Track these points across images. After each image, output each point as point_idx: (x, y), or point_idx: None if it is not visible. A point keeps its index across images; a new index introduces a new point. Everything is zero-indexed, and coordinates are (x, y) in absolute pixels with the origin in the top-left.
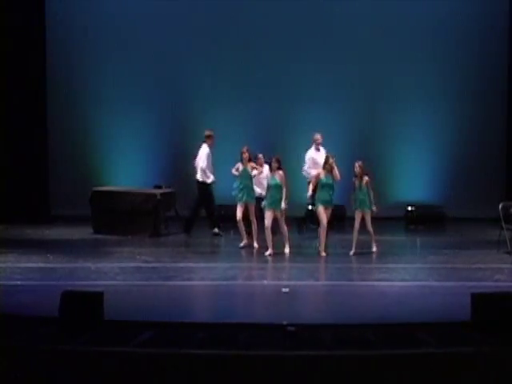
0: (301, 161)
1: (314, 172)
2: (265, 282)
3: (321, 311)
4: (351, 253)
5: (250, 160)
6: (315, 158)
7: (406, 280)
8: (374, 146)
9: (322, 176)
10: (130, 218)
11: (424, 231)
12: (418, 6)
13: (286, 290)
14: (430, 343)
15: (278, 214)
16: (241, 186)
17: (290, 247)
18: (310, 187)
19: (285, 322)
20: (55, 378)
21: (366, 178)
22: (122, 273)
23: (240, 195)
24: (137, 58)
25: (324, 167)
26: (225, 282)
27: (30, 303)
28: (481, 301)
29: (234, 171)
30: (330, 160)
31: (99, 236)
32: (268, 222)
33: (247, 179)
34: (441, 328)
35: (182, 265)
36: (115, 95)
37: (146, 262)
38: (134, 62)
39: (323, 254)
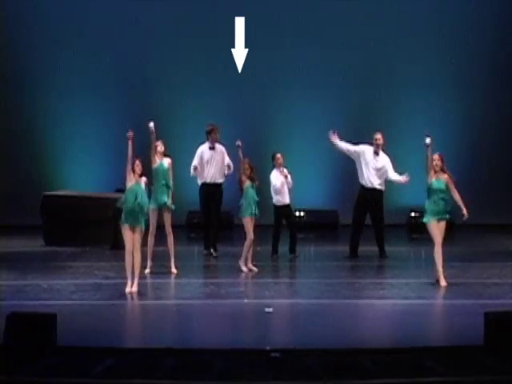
0: (291, 156)
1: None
2: (245, 300)
3: (310, 334)
4: (244, 269)
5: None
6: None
7: (408, 297)
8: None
9: (431, 179)
10: (87, 228)
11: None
12: None
13: (270, 309)
14: (437, 371)
15: (137, 233)
16: None
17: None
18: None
19: (268, 348)
20: None
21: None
22: (78, 291)
23: None
24: (95, 52)
25: (437, 169)
26: (198, 301)
27: None
28: (496, 321)
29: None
30: (437, 158)
31: (52, 248)
32: (129, 244)
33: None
34: (450, 353)
35: (148, 281)
36: (71, 90)
37: (107, 278)
38: (92, 55)
39: (444, 283)
